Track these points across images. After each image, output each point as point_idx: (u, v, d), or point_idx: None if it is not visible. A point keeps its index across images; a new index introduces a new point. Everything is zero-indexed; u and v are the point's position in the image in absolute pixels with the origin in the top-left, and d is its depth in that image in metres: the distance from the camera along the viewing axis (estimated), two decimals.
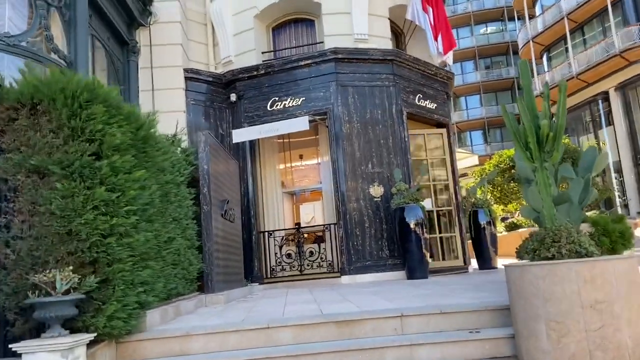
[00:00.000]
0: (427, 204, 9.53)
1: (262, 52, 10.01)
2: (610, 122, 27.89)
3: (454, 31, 50.13)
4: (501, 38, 48.25)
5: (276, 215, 9.62)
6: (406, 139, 9.33)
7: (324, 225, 9.22)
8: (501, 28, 48.84)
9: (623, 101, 26.79)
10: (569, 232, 3.60)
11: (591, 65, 26.93)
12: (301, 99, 9.25)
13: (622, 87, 26.54)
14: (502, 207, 15.67)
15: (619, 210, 27.09)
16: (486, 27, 49.60)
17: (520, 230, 14.21)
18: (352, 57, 9.25)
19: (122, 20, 8.47)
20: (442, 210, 10.32)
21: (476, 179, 15.33)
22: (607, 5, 26.05)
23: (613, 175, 27.82)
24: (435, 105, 10.28)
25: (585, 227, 5.18)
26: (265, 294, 7.42)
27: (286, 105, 9.30)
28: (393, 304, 4.52)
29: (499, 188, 14.65)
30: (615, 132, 27.38)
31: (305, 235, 9.16)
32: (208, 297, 5.66)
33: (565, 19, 28.92)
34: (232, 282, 6.75)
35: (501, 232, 15.41)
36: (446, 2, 50.53)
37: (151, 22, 8.95)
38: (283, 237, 9.15)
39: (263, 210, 9.60)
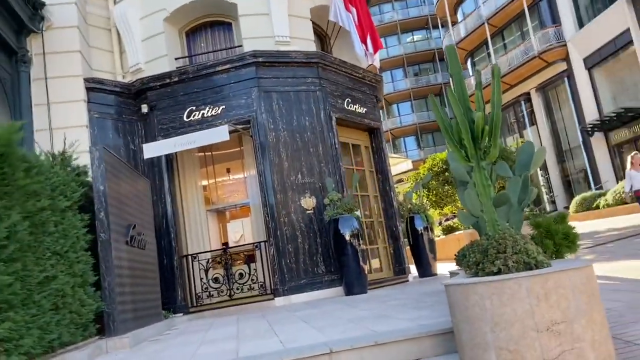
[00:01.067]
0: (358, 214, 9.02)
1: (176, 58, 9.19)
2: (533, 121, 28.98)
3: (382, 40, 51.24)
4: (427, 45, 49.60)
5: (200, 236, 8.77)
6: (337, 146, 8.80)
7: (253, 243, 8.48)
8: (427, 36, 50.21)
9: (544, 101, 27.92)
10: (514, 240, 3.11)
11: (512, 67, 27.90)
12: (221, 108, 8.51)
13: (542, 88, 27.65)
14: (438, 210, 15.55)
15: (547, 207, 28.08)
16: (412, 35, 50.85)
17: (457, 233, 14.08)
18: (274, 60, 8.63)
19: (7, 26, 7.43)
20: (379, 219, 9.87)
21: (412, 184, 15.11)
22: (524, 9, 27.11)
23: (539, 172, 28.85)
24: (365, 109, 9.84)
25: (526, 230, 4.82)
26: (187, 327, 6.57)
27: (205, 115, 8.52)
28: (324, 334, 3.87)
29: (434, 192, 14.49)
30: (538, 131, 28.46)
31: (234, 256, 8.38)
32: (110, 342, 4.77)
33: (486, 24, 29.89)
34: (145, 318, 5.87)
35: (439, 236, 15.25)
36: (373, 11, 51.53)
37: (44, 28, 7.93)
38: (209, 259, 8.32)
39: (185, 232, 8.72)
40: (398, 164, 12.73)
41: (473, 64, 33.74)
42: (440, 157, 14.68)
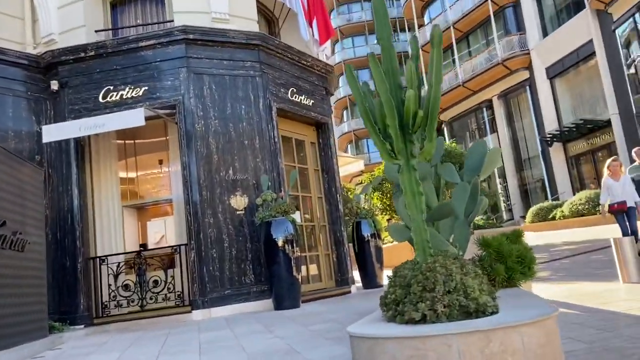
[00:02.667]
0: (297, 217, 8.07)
1: (96, 31, 8.00)
2: (494, 129, 28.76)
3: (349, 39, 50.60)
4: (394, 48, 49.18)
5: (113, 235, 7.63)
6: (276, 139, 7.83)
7: (172, 247, 7.40)
8: (394, 39, 49.84)
9: (505, 109, 27.71)
10: (447, 272, 2.22)
11: (476, 73, 27.58)
12: (143, 89, 7.40)
13: (504, 95, 27.42)
14: (391, 215, 14.79)
15: (504, 216, 27.92)
16: None
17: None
18: (208, 39, 7.58)
19: None
20: (322, 222, 8.95)
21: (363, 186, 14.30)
22: (489, 16, 26.81)
23: (497, 180, 28.69)
24: (312, 101, 8.90)
25: (473, 250, 3.96)
26: (71, 347, 5.46)
27: (124, 97, 7.39)
28: None
29: (388, 195, 13.71)
30: (499, 138, 28.24)
31: (149, 261, 7.29)
32: None
33: (452, 28, 29.49)
34: (12, 336, 4.75)
35: (391, 243, 14.49)
36: (342, 10, 50.82)
37: None
38: (120, 263, 7.19)
39: (95, 230, 7.56)
40: (348, 164, 11.88)
41: None
42: None
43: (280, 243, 6.95)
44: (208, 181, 7.27)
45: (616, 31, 19.69)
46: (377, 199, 14.12)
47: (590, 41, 20.92)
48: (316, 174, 9.15)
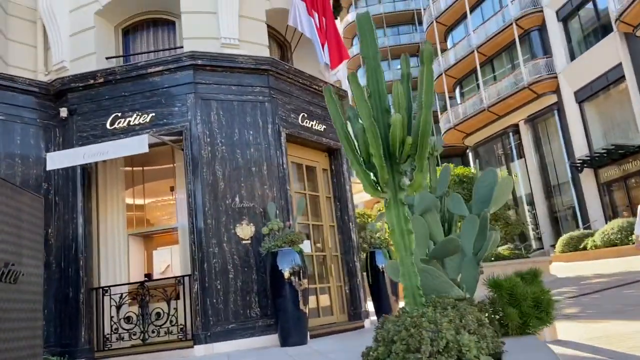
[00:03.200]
0: (307, 246, 7.75)
1: (107, 58, 7.99)
2: (521, 154, 28.05)
3: None
4: (417, 73, 49.02)
5: (118, 264, 7.43)
6: (285, 166, 7.58)
7: (175, 277, 7.14)
8: (417, 64, 49.68)
9: (533, 134, 27.04)
10: (437, 327, 1.86)
11: (501, 97, 27.08)
12: (150, 115, 7.28)
13: (531, 120, 26.80)
14: None
15: (534, 245, 26.94)
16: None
17: None
18: (217, 64, 7.45)
19: None
20: (334, 252, 8.59)
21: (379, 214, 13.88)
22: (514, 39, 26.42)
23: (526, 207, 27.81)
24: (324, 127, 8.65)
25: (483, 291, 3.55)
26: None
27: (131, 123, 7.28)
28: None
29: None
30: (526, 164, 27.50)
31: (152, 292, 7.04)
32: None
33: (475, 52, 29.19)
34: None
35: None
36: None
37: None
38: (123, 294, 6.96)
39: (99, 260, 7.37)
40: (363, 191, 11.49)
41: (462, 94, 33.00)
42: None
43: (286, 275, 6.62)
44: (213, 209, 7.03)
45: None
46: None
47: (620, 64, 20.31)
48: (328, 202, 8.83)
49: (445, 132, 33.44)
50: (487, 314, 2.90)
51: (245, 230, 7.12)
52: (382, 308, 8.64)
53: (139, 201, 8.47)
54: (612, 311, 6.68)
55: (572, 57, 23.76)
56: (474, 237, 3.20)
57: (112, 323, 6.93)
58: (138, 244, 8.05)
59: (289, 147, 7.99)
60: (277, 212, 7.25)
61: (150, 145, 7.35)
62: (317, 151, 8.86)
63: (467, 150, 33.48)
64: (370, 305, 9.00)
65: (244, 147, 7.42)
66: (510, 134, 28.69)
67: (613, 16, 19.73)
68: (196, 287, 6.72)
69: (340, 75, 8.96)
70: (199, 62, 7.33)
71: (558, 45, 24.36)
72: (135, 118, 7.27)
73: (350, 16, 49.62)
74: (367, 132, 2.13)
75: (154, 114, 7.28)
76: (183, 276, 7.02)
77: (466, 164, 32.71)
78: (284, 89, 8.03)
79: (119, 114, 7.33)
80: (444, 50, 33.64)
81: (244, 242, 7.11)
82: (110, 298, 6.99)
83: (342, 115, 2.41)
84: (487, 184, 3.41)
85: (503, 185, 3.28)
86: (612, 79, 21.25)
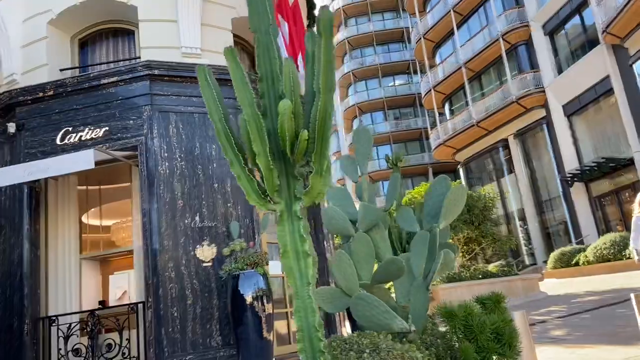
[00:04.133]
0: (277, 267, 7.21)
1: (61, 70, 7.51)
2: (511, 169, 27.67)
3: (362, 83, 50.76)
4: (408, 90, 49.04)
5: (68, 292, 6.83)
6: None
7: (128, 305, 6.55)
8: (408, 81, 49.75)
9: (522, 148, 26.71)
10: None
11: (490, 112, 26.78)
12: (103, 129, 6.79)
13: (520, 134, 26.49)
14: None
15: (527, 260, 26.41)
16: (394, 79, 50.42)
17: None
18: (175, 74, 6.99)
19: None
20: None
21: None
22: (501, 54, 26.26)
23: (518, 223, 27.33)
24: None
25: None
26: None
27: (83, 138, 6.78)
28: None
29: None
30: (517, 179, 27.11)
31: (103, 321, 6.45)
32: None
33: (463, 68, 29.01)
34: None
35: None
36: (355, 54, 51.26)
37: None
38: (71, 324, 6.35)
39: (46, 286, 6.78)
40: None
41: (451, 110, 32.77)
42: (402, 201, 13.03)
43: (248, 300, 6.06)
44: (170, 229, 6.49)
45: (634, 66, 18.82)
46: None
47: (608, 77, 20.06)
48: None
49: (435, 148, 33.13)
50: (435, 351, 2.40)
51: (206, 252, 6.58)
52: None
53: (95, 222, 7.90)
54: (601, 333, 6.15)
55: (560, 70, 23.55)
56: (425, 257, 2.71)
57: (60, 356, 6.31)
58: (93, 268, 7.47)
59: None
60: (242, 231, 6.74)
61: (107, 162, 6.88)
62: None
63: (458, 167, 33.11)
64: (348, 329, 8.42)
65: (205, 162, 6.93)
66: (500, 148, 28.36)
67: (600, 28, 19.55)
68: (150, 315, 6.14)
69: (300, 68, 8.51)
70: (156, 72, 6.87)
71: (545, 59, 24.17)
72: (87, 132, 6.77)
73: (340, 35, 49.73)
74: (248, 124, 1.65)
75: (107, 128, 6.78)
76: (137, 303, 6.43)
77: (458, 180, 32.36)
78: None
79: (70, 129, 6.82)
80: (432, 66, 33.49)
81: (204, 264, 6.56)
82: (58, 328, 6.39)
83: (221, 105, 1.94)
84: (438, 194, 2.93)
85: (454, 195, 2.79)
86: (600, 92, 20.99)
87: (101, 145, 6.65)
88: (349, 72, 49.63)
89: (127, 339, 6.31)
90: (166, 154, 6.73)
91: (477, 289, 12.07)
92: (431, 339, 2.55)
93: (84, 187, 7.49)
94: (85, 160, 5.75)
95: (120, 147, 6.73)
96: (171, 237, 6.47)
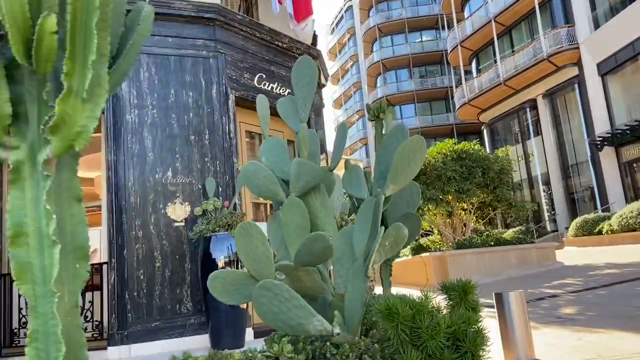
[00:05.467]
0: (264, 227, 6.55)
1: None
2: (538, 131, 26.33)
3: (388, 38, 48.74)
4: (435, 46, 46.91)
5: None
6: (232, 135, 6.38)
7: (93, 265, 6.07)
8: (436, 36, 47.55)
9: (551, 109, 25.26)
10: None
11: (518, 70, 25.26)
12: None
13: (550, 95, 25.00)
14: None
15: (548, 227, 25.43)
16: (421, 35, 48.23)
17: (423, 255, 11.58)
18: None
19: None
20: None
21: None
22: (534, 7, 24.47)
23: (541, 187, 26.21)
24: (288, 91, 7.39)
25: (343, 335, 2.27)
26: None
27: None
28: None
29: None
30: (543, 142, 25.81)
31: None
32: None
33: (493, 21, 27.28)
34: None
35: (406, 256, 12.79)
36: (381, 7, 49.08)
37: None
38: None
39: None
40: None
41: (478, 69, 31.11)
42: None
43: (220, 264, 5.48)
44: (138, 184, 5.88)
45: None
46: None
47: None
48: None
49: (459, 107, 31.72)
50: None
51: (177, 211, 5.98)
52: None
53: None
54: (616, 315, 5.40)
55: (597, 25, 21.82)
56: (368, 232, 2.01)
57: (21, 316, 5.91)
58: None
59: (241, 114, 6.82)
60: (219, 189, 6.10)
61: None
62: (281, 119, 7.60)
63: (482, 128, 31.75)
64: None
65: (180, 111, 6.23)
66: (528, 109, 26.91)
67: None
68: (113, 277, 5.62)
69: (308, 30, 7.61)
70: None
71: (581, 12, 22.40)
72: None
73: (372, 20, 47.55)
74: None
75: None
76: (101, 264, 5.94)
77: (483, 142, 31.17)
78: (235, 44, 6.77)
79: None
80: (460, 20, 31.67)
81: (176, 224, 5.97)
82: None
83: None
84: (391, 150, 2.18)
85: (406, 150, 2.04)
86: (638, 49, 19.37)
87: None
88: (374, 26, 47.70)
89: (89, 302, 5.84)
90: (136, 101, 6.05)
91: (488, 256, 11.35)
92: (366, 343, 1.88)
93: None
94: None
95: None
96: (139, 193, 5.87)
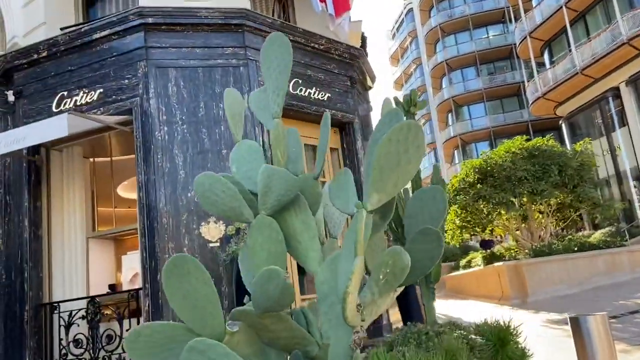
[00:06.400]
0: None
1: (62, 29, 6.76)
2: (624, 122, 23.94)
3: (451, 37, 47.04)
4: (504, 41, 44.59)
5: (74, 275, 6.22)
6: (266, 146, 5.93)
7: (128, 291, 5.79)
8: (503, 31, 45.25)
9: (637, 97, 22.89)
10: None
11: (596, 57, 23.15)
12: (98, 92, 5.97)
13: (634, 81, 22.67)
14: (473, 232, 12.05)
15: None
16: (487, 30, 46.11)
17: (497, 264, 10.54)
18: (173, 21, 5.95)
19: None
20: None
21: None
22: None
23: (632, 183, 23.76)
24: (328, 95, 6.87)
25: None
26: None
27: (78, 103, 6.02)
28: None
29: (469, 209, 11.02)
30: (630, 133, 23.41)
31: (104, 309, 5.76)
32: None
33: (564, 7, 25.30)
34: None
35: (478, 266, 11.78)
36: (442, 7, 47.56)
37: None
38: (73, 311, 5.72)
39: (49, 269, 6.20)
40: None
41: (551, 55, 29.02)
42: (473, 163, 11.20)
43: None
44: (171, 205, 5.57)
45: None
46: (456, 214, 11.50)
47: None
48: None
49: (533, 102, 29.66)
50: None
51: (212, 231, 5.59)
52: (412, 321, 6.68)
53: (105, 198, 7.24)
54: None
55: None
56: (351, 256, 1.41)
57: (61, 347, 5.74)
58: (104, 248, 6.83)
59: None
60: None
61: (106, 130, 6.07)
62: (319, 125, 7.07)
63: (560, 122, 29.49)
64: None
65: (211, 124, 5.88)
66: (610, 99, 24.58)
67: None
68: (147, 303, 5.31)
69: (345, 26, 7.04)
70: (150, 20, 5.86)
71: None
72: (82, 97, 5.99)
73: (433, 20, 46.32)
74: None
75: (101, 90, 5.95)
76: (137, 289, 5.65)
77: (562, 138, 29.06)
78: None
79: (65, 93, 6.09)
80: (527, 10, 29.76)
81: (211, 244, 5.59)
82: (59, 316, 5.80)
83: None
84: (376, 141, 1.56)
85: (395, 141, 1.40)
86: None
87: (95, 111, 5.84)
88: (436, 26, 46.24)
89: (127, 330, 5.57)
90: (165, 117, 5.77)
91: (571, 264, 10.14)
92: None
93: (90, 159, 6.80)
94: (58, 126, 4.93)
95: (115, 111, 5.87)
96: (171, 213, 5.55)
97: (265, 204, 1.77)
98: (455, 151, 46.17)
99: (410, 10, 52.77)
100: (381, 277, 1.47)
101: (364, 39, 10.55)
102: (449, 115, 47.04)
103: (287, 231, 1.81)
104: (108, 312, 5.81)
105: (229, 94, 2.14)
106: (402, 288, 1.88)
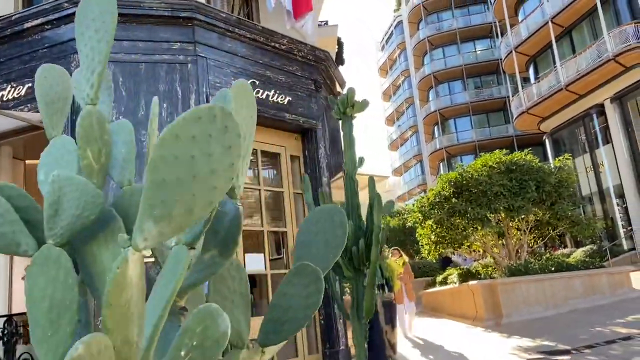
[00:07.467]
0: (258, 262, 5.55)
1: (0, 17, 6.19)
2: (608, 139, 23.81)
3: (439, 50, 46.96)
4: (490, 55, 44.69)
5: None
6: None
7: None
8: (490, 45, 45.35)
9: (621, 114, 22.76)
10: None
11: (581, 73, 23.04)
12: (26, 86, 5.39)
13: (618, 98, 22.56)
14: (447, 249, 11.57)
15: (625, 244, 22.74)
16: (474, 45, 46.20)
17: (471, 283, 10.05)
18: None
19: None
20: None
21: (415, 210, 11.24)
22: (596, 4, 22.35)
23: (615, 201, 23.58)
24: (289, 98, 6.36)
25: None
26: None
27: (4, 99, 5.43)
28: None
29: (444, 225, 10.54)
30: (614, 151, 23.27)
31: (24, 329, 5.15)
32: None
33: (550, 23, 25.23)
34: None
35: (454, 283, 11.30)
36: (431, 19, 47.59)
37: None
38: None
39: None
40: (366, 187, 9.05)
41: (536, 71, 28.94)
42: (449, 177, 10.74)
43: None
44: None
45: None
46: (431, 229, 11.01)
47: None
48: (299, 199, 6.53)
49: (517, 117, 29.52)
50: None
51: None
52: (373, 344, 6.18)
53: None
54: None
55: None
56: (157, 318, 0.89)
57: None
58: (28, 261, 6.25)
59: None
60: None
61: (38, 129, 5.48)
62: (282, 132, 6.58)
63: (544, 138, 29.35)
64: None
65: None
66: (594, 115, 24.48)
67: None
68: None
69: (308, 28, 6.56)
70: None
71: None
72: (10, 91, 5.40)
73: (422, 33, 46.35)
74: None
75: (30, 85, 5.36)
76: None
77: (545, 153, 28.91)
78: (220, 46, 5.83)
79: None
80: (513, 25, 29.70)
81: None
82: None
83: None
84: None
85: (184, 138, 0.87)
86: None
87: (22, 107, 5.26)
88: (424, 38, 46.24)
89: None
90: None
91: (548, 284, 9.69)
92: None
93: (21, 161, 6.21)
94: None
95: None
96: None
97: (53, 229, 1.24)
98: (441, 164, 45.95)
99: (400, 22, 52.81)
100: (183, 354, 0.96)
101: (340, 44, 10.08)
102: (436, 127, 46.93)
103: (90, 269, 1.29)
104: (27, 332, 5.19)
105: (46, 70, 1.61)
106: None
